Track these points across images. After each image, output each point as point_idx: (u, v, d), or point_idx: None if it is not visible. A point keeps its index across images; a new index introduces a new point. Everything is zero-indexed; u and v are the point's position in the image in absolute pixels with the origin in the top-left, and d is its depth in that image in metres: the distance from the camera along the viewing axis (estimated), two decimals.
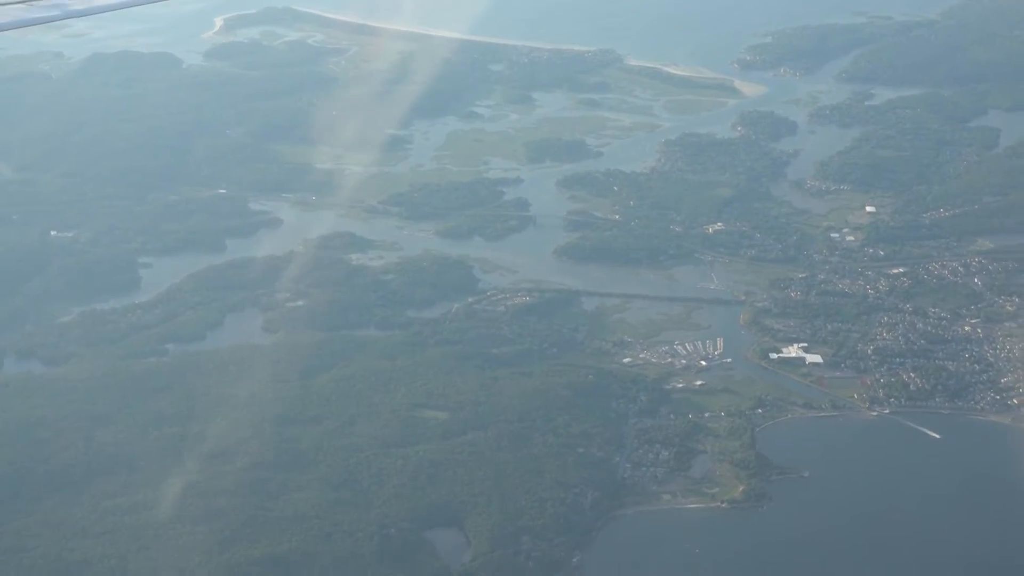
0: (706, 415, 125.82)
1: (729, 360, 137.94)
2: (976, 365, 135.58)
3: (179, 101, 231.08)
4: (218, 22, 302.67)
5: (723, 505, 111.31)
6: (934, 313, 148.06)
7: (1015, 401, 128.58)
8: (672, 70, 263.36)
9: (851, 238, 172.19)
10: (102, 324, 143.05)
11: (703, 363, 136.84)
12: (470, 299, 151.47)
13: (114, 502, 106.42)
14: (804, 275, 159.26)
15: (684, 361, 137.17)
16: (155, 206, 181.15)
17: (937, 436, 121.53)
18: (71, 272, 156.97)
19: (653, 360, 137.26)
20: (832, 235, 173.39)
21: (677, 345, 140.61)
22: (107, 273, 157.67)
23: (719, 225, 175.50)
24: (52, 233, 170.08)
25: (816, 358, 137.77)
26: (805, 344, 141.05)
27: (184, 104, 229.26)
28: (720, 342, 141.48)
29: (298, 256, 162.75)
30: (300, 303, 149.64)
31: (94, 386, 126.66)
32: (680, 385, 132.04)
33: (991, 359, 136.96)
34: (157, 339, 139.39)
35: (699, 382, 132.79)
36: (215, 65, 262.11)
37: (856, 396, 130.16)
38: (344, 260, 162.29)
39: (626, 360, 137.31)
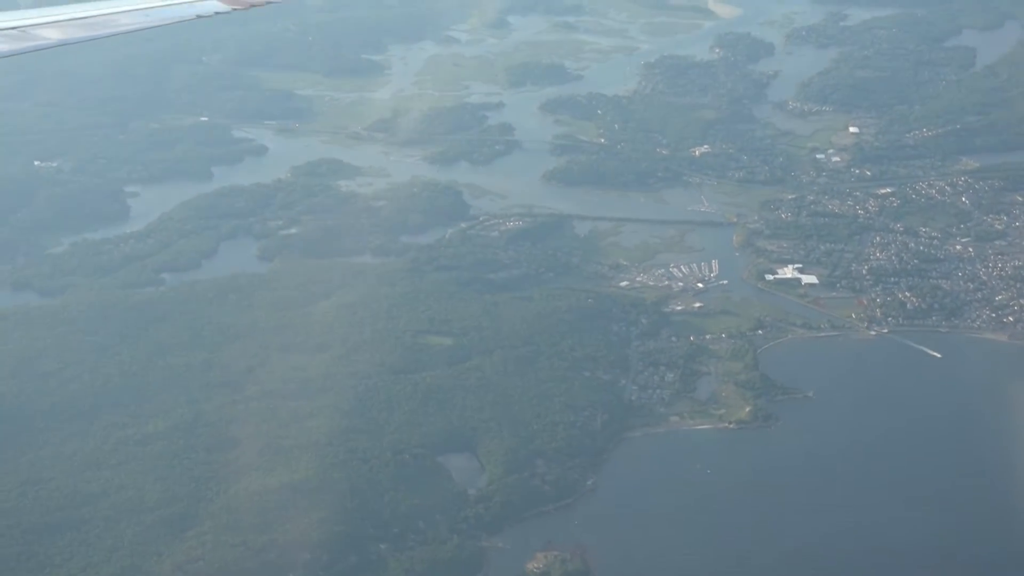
0: (707, 337, 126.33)
1: (725, 282, 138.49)
2: (970, 284, 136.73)
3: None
4: None
5: (731, 426, 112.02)
6: (925, 232, 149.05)
7: (1011, 319, 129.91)
8: None
9: (836, 159, 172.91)
10: (95, 254, 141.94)
11: (700, 285, 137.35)
12: (463, 224, 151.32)
13: (125, 433, 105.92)
14: (793, 196, 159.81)
15: (681, 284, 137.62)
16: (137, 134, 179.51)
17: (938, 355, 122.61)
18: (58, 202, 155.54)
19: (650, 283, 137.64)
20: (817, 156, 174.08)
21: (673, 268, 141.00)
22: (95, 202, 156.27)
23: (705, 147, 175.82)
24: (35, 163, 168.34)
25: (812, 279, 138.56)
26: (800, 265, 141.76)
27: (157, 31, 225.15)
28: (715, 264, 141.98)
29: (286, 183, 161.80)
30: (293, 231, 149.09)
31: (93, 317, 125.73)
32: (679, 308, 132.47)
33: (984, 277, 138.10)
34: (153, 268, 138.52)
35: (697, 304, 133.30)
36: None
37: (854, 316, 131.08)
38: (333, 187, 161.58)
39: (623, 283, 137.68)
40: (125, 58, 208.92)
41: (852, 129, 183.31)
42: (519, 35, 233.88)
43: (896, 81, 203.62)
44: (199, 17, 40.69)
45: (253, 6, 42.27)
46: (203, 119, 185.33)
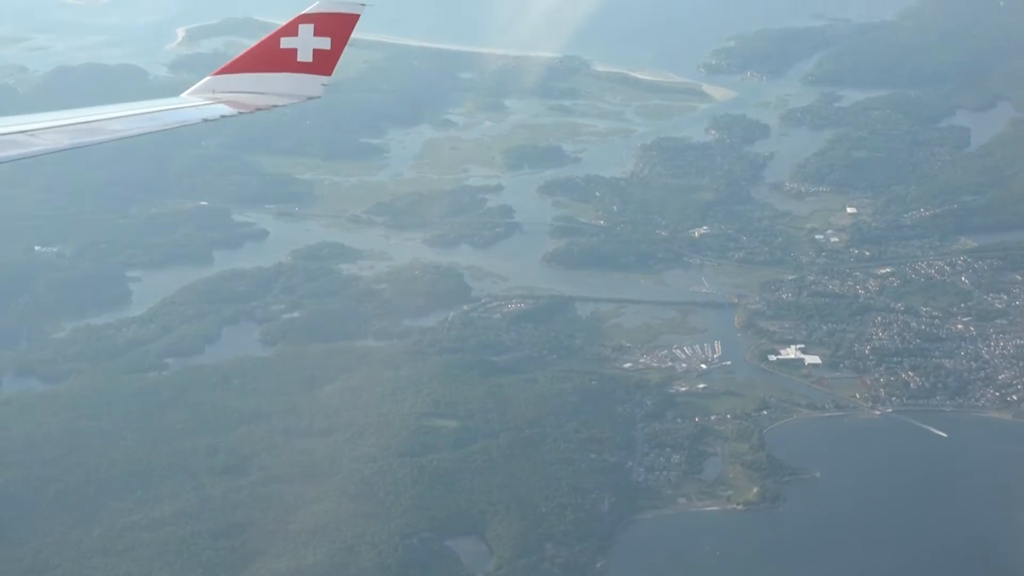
0: (712, 418, 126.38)
1: (729, 363, 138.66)
2: (973, 363, 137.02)
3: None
4: (180, 33, 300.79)
5: (739, 507, 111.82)
6: (926, 312, 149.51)
7: (1015, 397, 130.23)
8: (640, 75, 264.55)
9: (835, 239, 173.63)
10: (98, 339, 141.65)
11: (703, 366, 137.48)
12: (465, 307, 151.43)
13: (131, 519, 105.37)
14: (793, 277, 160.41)
15: (685, 365, 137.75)
16: (138, 219, 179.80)
17: (944, 435, 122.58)
18: (60, 287, 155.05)
19: (654, 364, 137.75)
20: (816, 236, 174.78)
21: (676, 349, 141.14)
22: (96, 288, 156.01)
23: (704, 229, 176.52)
24: (36, 248, 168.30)
25: (815, 359, 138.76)
26: (802, 345, 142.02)
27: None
28: (718, 345, 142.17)
29: (288, 267, 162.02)
30: (296, 314, 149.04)
31: (97, 402, 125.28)
32: (683, 389, 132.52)
33: (987, 356, 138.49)
34: (156, 353, 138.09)
35: (702, 385, 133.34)
36: (182, 77, 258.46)
37: (858, 396, 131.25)
38: (335, 270, 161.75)
39: (627, 365, 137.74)
40: (123, 143, 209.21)
41: (850, 209, 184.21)
42: (516, 118, 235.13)
43: (892, 161, 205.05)
44: (205, 121, 40.80)
45: (259, 110, 42.47)
46: (203, 203, 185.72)
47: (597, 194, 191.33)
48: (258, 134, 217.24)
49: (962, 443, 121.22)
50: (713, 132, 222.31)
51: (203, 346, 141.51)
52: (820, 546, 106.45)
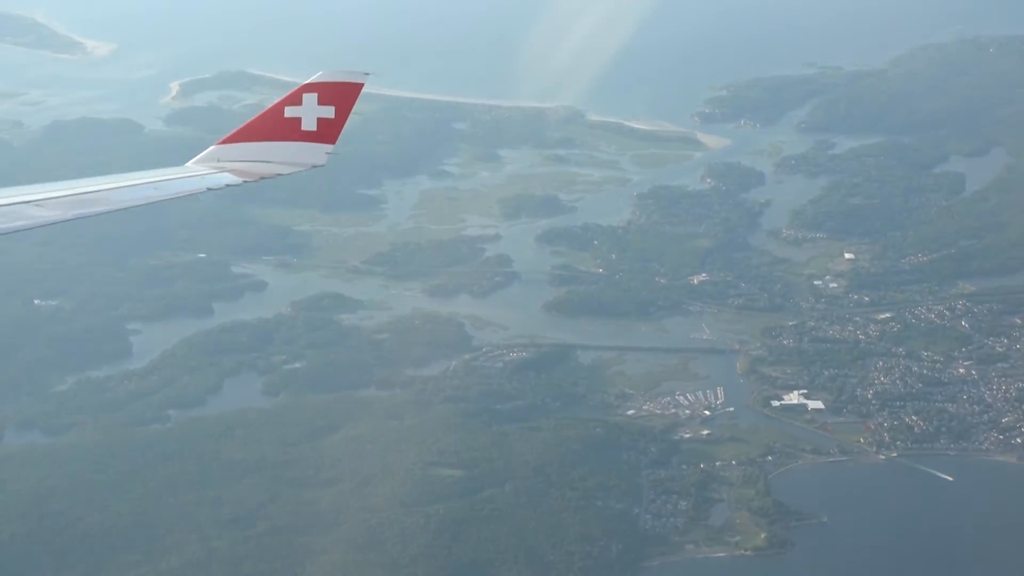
0: (717, 464, 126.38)
1: (732, 409, 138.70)
2: (975, 406, 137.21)
3: (147, 167, 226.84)
4: (174, 87, 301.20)
5: (747, 553, 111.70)
6: (927, 356, 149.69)
7: (1018, 440, 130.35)
8: (634, 124, 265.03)
9: (834, 285, 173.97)
10: (100, 392, 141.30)
11: (707, 413, 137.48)
12: (466, 356, 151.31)
13: (138, 571, 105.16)
14: (794, 323, 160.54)
15: (688, 411, 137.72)
16: (136, 272, 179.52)
17: (950, 478, 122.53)
18: (60, 341, 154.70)
19: (657, 411, 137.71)
20: (815, 283, 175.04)
21: (679, 396, 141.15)
22: (97, 340, 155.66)
23: (703, 276, 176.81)
24: (36, 302, 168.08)
25: (818, 404, 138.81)
26: (805, 391, 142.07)
27: (151, 169, 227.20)
28: (720, 391, 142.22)
29: (288, 318, 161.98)
30: (298, 365, 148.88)
31: (100, 455, 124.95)
32: (687, 435, 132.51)
33: (989, 400, 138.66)
34: (158, 405, 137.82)
35: (706, 432, 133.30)
36: (177, 130, 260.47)
37: (862, 440, 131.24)
38: (335, 321, 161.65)
39: (630, 412, 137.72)
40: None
41: (847, 255, 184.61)
42: (511, 168, 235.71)
43: (888, 208, 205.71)
44: (209, 190, 41.06)
45: (263, 178, 42.78)
46: (201, 255, 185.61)
47: (595, 242, 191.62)
48: (254, 186, 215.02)
49: (968, 487, 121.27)
50: (709, 180, 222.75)
51: (205, 397, 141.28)
52: None
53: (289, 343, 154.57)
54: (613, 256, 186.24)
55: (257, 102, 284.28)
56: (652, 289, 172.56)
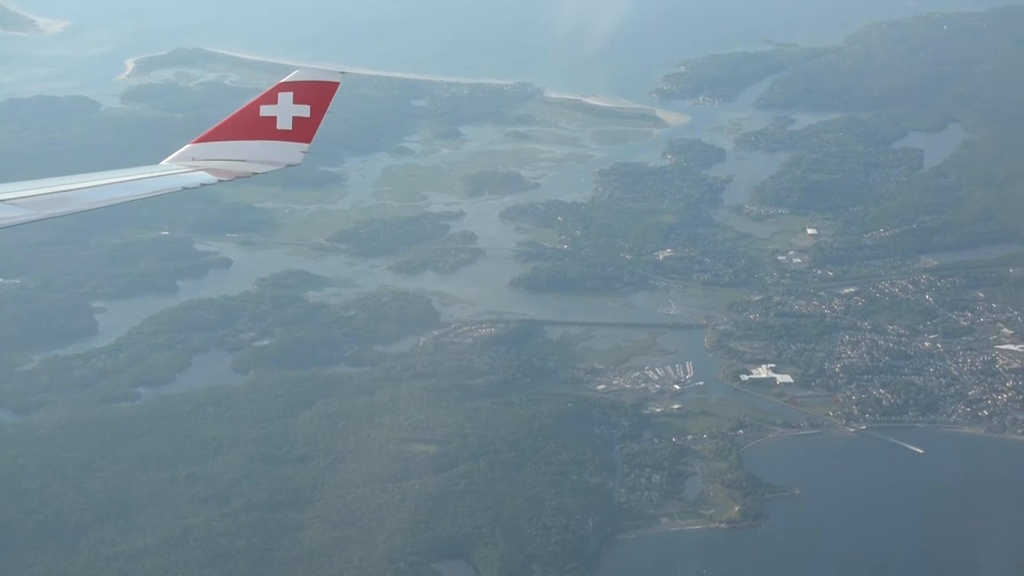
0: (689, 438, 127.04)
1: (701, 383, 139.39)
2: (942, 379, 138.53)
3: (104, 144, 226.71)
4: (129, 64, 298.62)
5: (722, 525, 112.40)
6: (893, 330, 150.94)
7: (985, 413, 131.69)
8: (593, 101, 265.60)
9: (798, 260, 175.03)
10: (67, 370, 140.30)
11: (676, 387, 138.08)
12: (435, 332, 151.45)
13: (115, 549, 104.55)
14: (759, 297, 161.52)
15: (658, 386, 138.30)
16: (99, 250, 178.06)
17: (920, 451, 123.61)
18: (25, 319, 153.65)
19: (627, 386, 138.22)
20: (779, 258, 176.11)
21: (648, 370, 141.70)
22: (62, 319, 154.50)
23: (668, 251, 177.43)
24: None
25: (786, 378, 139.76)
26: (773, 365, 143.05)
27: (109, 147, 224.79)
28: (689, 366, 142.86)
29: (254, 295, 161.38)
30: (266, 342, 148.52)
31: (71, 433, 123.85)
32: (658, 410, 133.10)
33: (955, 373, 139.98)
34: (127, 383, 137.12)
35: (676, 406, 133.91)
36: (134, 108, 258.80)
37: (831, 414, 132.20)
38: (302, 298, 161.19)
39: (600, 387, 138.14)
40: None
41: (810, 231, 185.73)
42: (472, 145, 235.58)
43: (848, 183, 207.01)
44: (185, 189, 40.98)
45: (238, 177, 42.69)
46: (164, 233, 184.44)
47: (559, 219, 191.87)
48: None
49: (938, 459, 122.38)
50: (670, 156, 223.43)
51: (174, 375, 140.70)
52: (805, 564, 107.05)
53: (256, 320, 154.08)
54: (577, 232, 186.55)
55: (214, 79, 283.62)
56: (617, 265, 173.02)
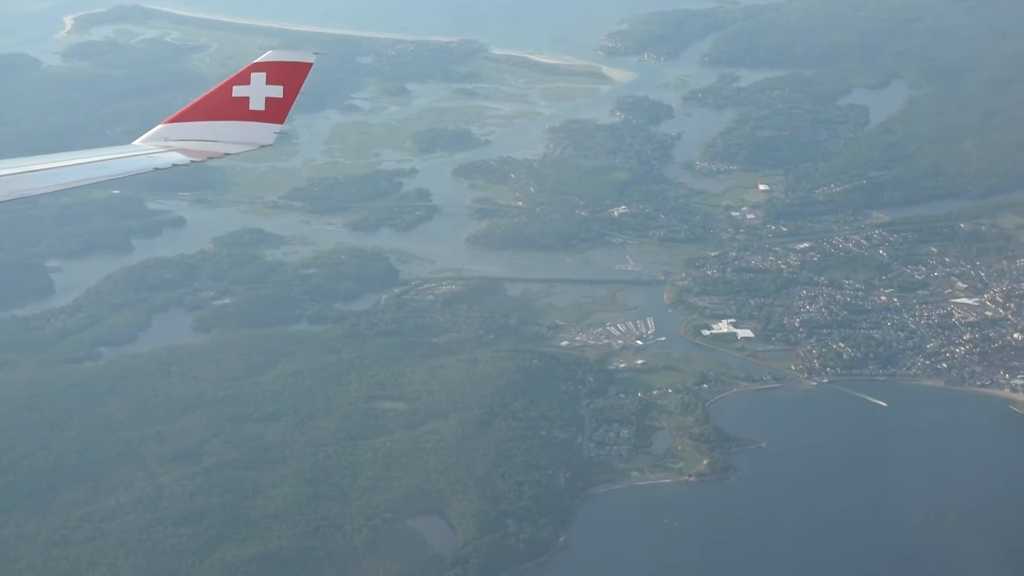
0: (654, 393, 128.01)
1: (663, 338, 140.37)
2: (900, 332, 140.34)
3: (47, 103, 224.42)
4: (68, 21, 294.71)
5: (691, 479, 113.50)
6: (849, 285, 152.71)
7: (944, 365, 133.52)
8: (538, 58, 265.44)
9: (751, 216, 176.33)
10: (27, 331, 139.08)
11: (639, 343, 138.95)
12: (396, 290, 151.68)
13: (87, 509, 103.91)
14: (716, 253, 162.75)
15: (621, 342, 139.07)
16: (49, 209, 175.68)
17: (884, 404, 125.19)
18: None
19: (590, 342, 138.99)
20: (733, 214, 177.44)
21: (610, 326, 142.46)
22: (18, 279, 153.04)
23: (623, 208, 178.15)
24: None
25: (747, 333, 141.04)
26: (733, 320, 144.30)
27: (53, 105, 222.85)
28: (651, 321, 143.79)
29: (211, 254, 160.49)
30: (227, 301, 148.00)
31: (35, 394, 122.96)
32: (622, 365, 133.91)
33: (912, 326, 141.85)
34: (88, 343, 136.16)
35: (640, 361, 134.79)
36: (76, 65, 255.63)
37: (793, 367, 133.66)
38: (259, 256, 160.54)
39: (564, 343, 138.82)
40: (22, 133, 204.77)
41: (762, 187, 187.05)
42: (420, 102, 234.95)
43: (797, 140, 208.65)
44: (157, 169, 40.77)
45: (211, 158, 42.51)
46: (115, 192, 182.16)
47: (512, 176, 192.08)
48: (161, 119, 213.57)
49: (901, 411, 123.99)
50: (619, 113, 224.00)
51: (135, 334, 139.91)
52: (775, 516, 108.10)
53: (215, 279, 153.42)
54: (531, 189, 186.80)
55: (156, 36, 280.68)
56: (573, 222, 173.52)
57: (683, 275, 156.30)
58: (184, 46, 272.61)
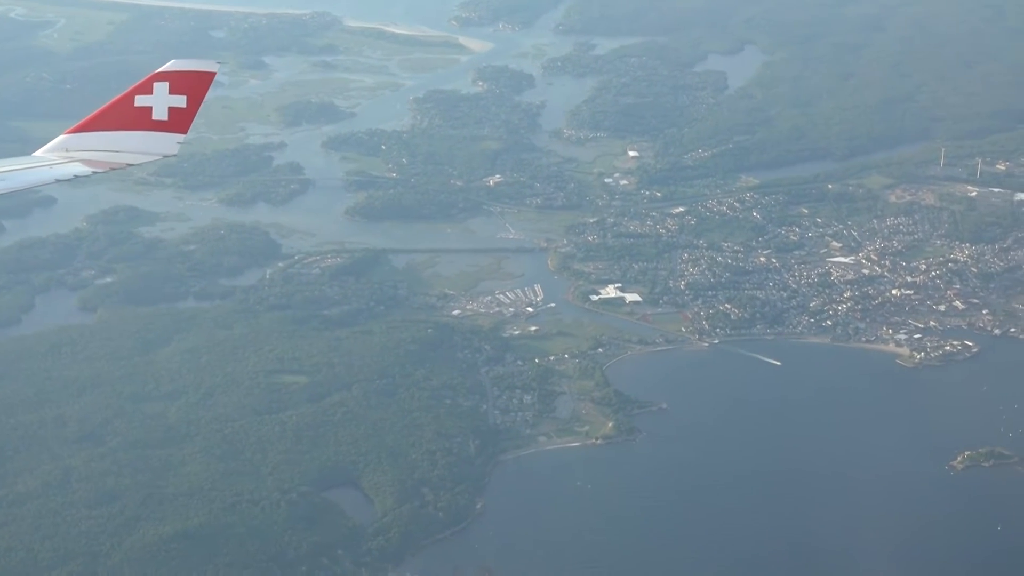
0: (551, 358, 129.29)
1: (553, 305, 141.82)
2: (783, 292, 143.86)
3: None
4: None
5: (598, 442, 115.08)
6: (728, 247, 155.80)
7: (829, 323, 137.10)
8: (393, 29, 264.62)
9: (624, 182, 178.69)
10: None
11: (530, 310, 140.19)
12: (280, 264, 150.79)
13: None
14: (594, 220, 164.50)
15: (511, 309, 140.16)
16: None
17: (778, 363, 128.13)
18: None
19: (481, 311, 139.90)
20: (606, 180, 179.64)
21: (499, 294, 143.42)
22: None
23: (497, 177, 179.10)
24: None
25: (635, 297, 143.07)
26: (619, 284, 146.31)
27: None
28: (539, 288, 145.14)
29: (87, 233, 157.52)
30: (109, 280, 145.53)
31: None
32: (516, 332, 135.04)
33: (794, 286, 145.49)
34: None
35: (533, 328, 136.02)
36: None
37: (684, 329, 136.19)
38: (136, 234, 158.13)
39: (455, 312, 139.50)
40: None
41: (631, 153, 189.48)
42: (280, 75, 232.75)
43: (659, 106, 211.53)
44: (58, 181, 40.35)
45: (114, 169, 42.14)
46: None
47: (383, 147, 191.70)
48: (19, 101, 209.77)
49: (795, 370, 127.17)
50: (481, 83, 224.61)
51: (19, 316, 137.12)
52: (681, 474, 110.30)
53: (94, 258, 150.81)
54: (404, 160, 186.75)
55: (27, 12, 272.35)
56: (449, 192, 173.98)
57: (565, 242, 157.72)
58: (29, 22, 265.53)
